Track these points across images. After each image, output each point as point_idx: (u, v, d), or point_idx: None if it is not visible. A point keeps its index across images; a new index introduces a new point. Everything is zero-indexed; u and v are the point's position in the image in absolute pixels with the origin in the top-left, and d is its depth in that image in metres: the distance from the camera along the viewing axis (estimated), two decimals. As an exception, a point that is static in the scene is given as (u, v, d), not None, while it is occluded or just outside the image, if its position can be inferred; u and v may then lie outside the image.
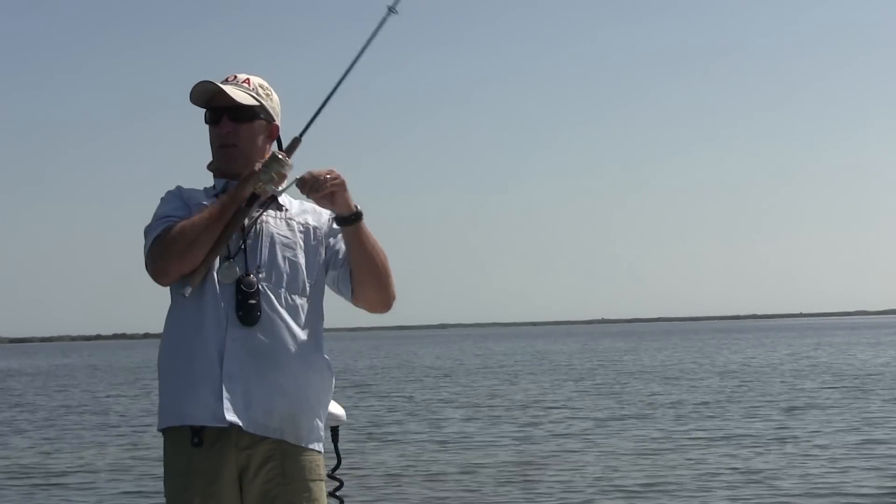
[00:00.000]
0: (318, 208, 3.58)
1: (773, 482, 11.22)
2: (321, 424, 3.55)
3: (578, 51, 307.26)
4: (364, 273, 3.55)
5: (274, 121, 3.61)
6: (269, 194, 3.49)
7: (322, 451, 3.56)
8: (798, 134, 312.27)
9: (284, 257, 3.51)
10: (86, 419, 22.03)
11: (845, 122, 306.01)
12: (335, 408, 4.23)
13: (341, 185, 3.43)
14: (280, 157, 3.47)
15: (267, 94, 3.59)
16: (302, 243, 3.55)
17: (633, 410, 19.92)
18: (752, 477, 11.58)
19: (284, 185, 3.50)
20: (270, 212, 3.54)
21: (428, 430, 17.67)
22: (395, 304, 3.63)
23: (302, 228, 3.58)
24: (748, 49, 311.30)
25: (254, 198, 3.46)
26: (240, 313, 3.43)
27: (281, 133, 3.66)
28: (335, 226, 3.56)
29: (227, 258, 3.47)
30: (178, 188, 3.61)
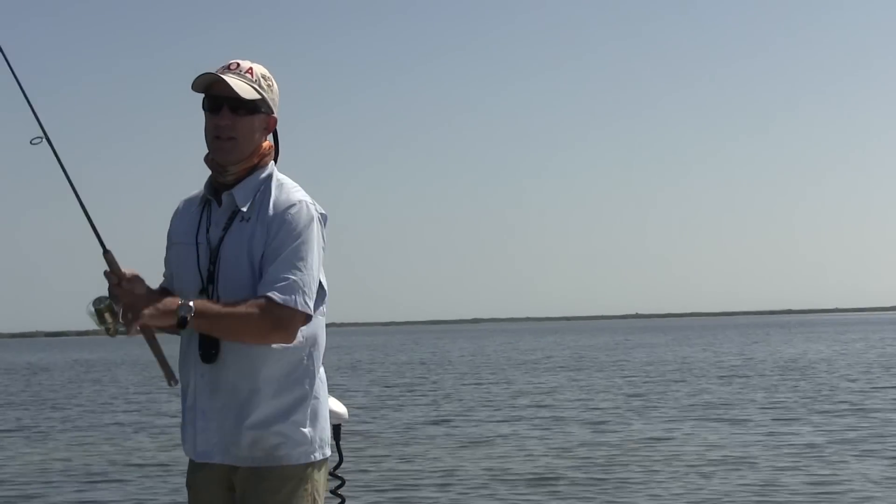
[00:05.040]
0: (283, 213, 3.43)
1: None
2: (304, 433, 3.46)
3: (617, 44, 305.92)
4: None
5: (273, 113, 3.51)
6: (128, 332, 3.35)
7: (309, 460, 3.48)
8: (834, 128, 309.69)
9: (241, 280, 3.40)
10: (119, 417, 22.13)
11: (881, 117, 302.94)
12: (337, 406, 4.19)
13: (135, 316, 3.27)
14: (96, 315, 3.34)
15: (269, 86, 3.50)
16: (258, 258, 3.41)
17: (700, 412, 19.41)
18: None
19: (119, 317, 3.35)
20: (235, 226, 3.46)
21: (437, 427, 17.49)
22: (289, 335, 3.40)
23: (262, 240, 3.43)
24: (789, 42, 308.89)
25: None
26: (200, 352, 3.43)
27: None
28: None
29: (202, 290, 3.44)
30: (175, 213, 3.62)
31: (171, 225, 3.61)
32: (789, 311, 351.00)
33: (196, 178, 3.65)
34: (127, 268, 3.37)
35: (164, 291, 3.54)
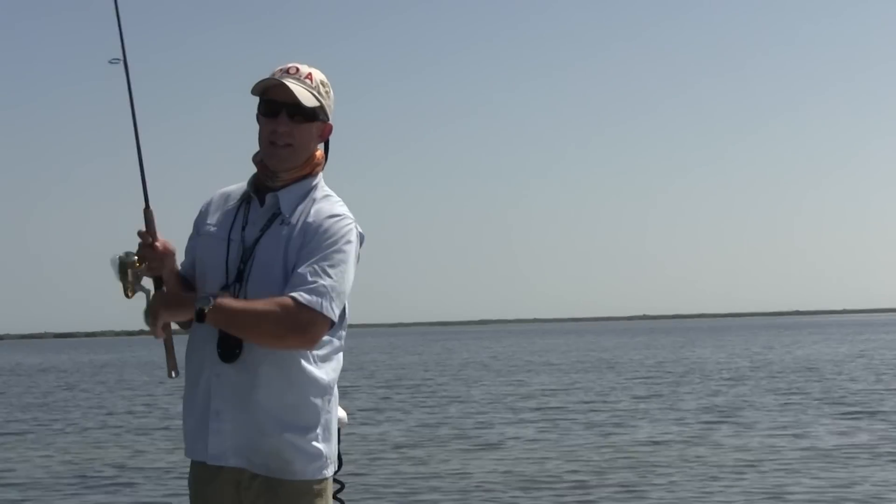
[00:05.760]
0: (322, 221, 3.35)
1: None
2: (319, 448, 3.41)
3: (620, 47, 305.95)
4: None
5: (329, 121, 3.46)
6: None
7: (323, 476, 3.43)
8: (840, 127, 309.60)
9: (272, 283, 3.31)
10: (125, 419, 22.08)
11: (886, 117, 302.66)
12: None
13: (156, 312, 3.31)
14: (119, 269, 3.34)
15: (326, 93, 3.43)
16: (293, 263, 3.34)
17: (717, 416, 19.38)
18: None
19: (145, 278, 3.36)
20: (273, 228, 3.38)
21: (441, 429, 17.37)
22: (313, 333, 3.31)
23: (297, 245, 3.35)
24: (791, 45, 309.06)
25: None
26: (220, 350, 3.31)
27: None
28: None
29: (225, 286, 3.35)
30: (208, 203, 3.51)
31: (200, 214, 3.52)
32: (798, 313, 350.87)
33: (239, 173, 3.62)
34: (164, 236, 3.37)
35: (182, 279, 3.47)
